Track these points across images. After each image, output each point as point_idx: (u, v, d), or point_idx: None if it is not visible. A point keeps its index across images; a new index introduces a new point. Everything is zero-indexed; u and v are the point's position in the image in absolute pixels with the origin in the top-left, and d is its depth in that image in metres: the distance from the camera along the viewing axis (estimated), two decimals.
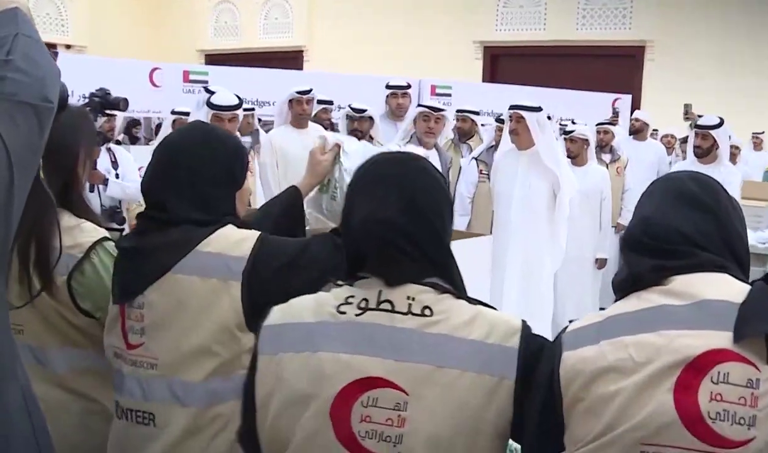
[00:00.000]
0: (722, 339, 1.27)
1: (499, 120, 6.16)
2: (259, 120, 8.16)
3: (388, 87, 6.52)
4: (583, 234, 5.68)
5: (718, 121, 5.47)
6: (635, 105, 10.66)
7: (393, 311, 1.39)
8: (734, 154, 7.39)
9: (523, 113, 4.87)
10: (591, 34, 11.72)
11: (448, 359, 1.35)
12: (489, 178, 5.73)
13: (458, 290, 1.46)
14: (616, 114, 9.12)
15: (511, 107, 4.97)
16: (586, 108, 9.05)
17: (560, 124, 6.99)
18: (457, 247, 1.53)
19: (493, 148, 5.98)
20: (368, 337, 1.38)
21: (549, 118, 5.23)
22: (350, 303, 1.41)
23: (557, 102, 10.03)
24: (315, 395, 1.36)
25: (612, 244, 6.03)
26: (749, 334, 1.25)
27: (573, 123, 6.58)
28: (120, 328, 1.81)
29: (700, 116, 8.59)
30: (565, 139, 5.86)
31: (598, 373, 1.32)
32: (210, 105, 4.50)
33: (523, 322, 1.43)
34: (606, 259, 5.99)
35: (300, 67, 13.93)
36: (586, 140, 5.90)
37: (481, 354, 1.36)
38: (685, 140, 8.73)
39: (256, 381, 1.44)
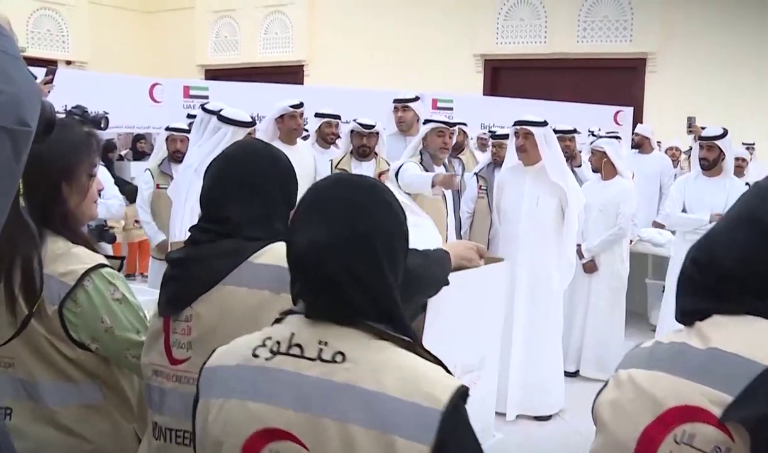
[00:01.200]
0: (706, 395, 1.16)
1: (496, 136, 6.14)
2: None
3: (394, 101, 6.36)
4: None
5: (722, 131, 5.41)
6: (637, 117, 10.64)
7: (300, 356, 1.26)
8: (741, 166, 7.34)
9: (532, 129, 4.83)
10: (592, 46, 11.70)
11: (352, 413, 1.19)
12: (487, 195, 5.69)
13: (410, 336, 1.29)
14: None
15: (517, 123, 4.91)
16: (588, 121, 9.03)
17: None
18: (472, 276, 1.41)
19: (492, 164, 5.98)
20: (273, 385, 1.26)
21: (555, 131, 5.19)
22: (265, 345, 1.30)
23: (559, 115, 10.05)
24: (226, 444, 1.28)
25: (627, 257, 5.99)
26: (738, 417, 1.12)
27: (593, 135, 6.53)
28: (163, 343, 1.73)
29: (703, 128, 8.56)
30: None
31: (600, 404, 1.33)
32: (229, 121, 4.13)
33: (461, 386, 1.21)
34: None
35: (301, 82, 13.92)
36: (604, 152, 5.84)
37: (395, 413, 1.17)
38: (689, 152, 8.69)
39: (195, 424, 1.37)
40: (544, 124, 4.87)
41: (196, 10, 15.06)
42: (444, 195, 5.02)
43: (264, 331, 1.34)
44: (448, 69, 12.45)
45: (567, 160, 5.40)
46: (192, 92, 9.34)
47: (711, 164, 5.42)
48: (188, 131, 5.70)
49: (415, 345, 1.28)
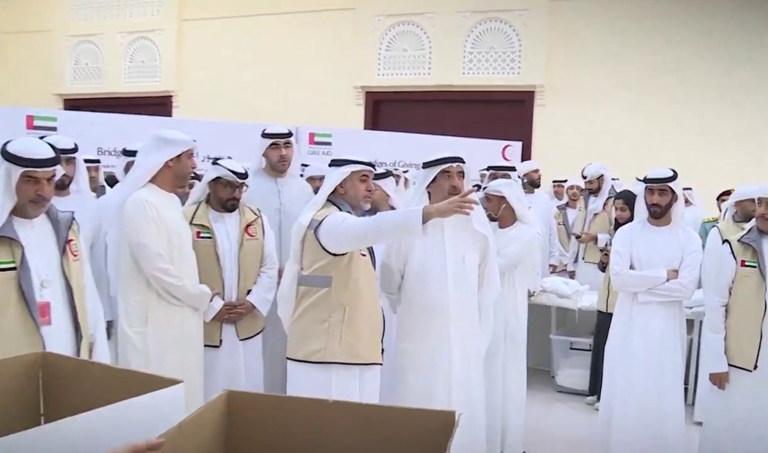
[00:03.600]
0: None
1: (377, 175, 5.20)
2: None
3: (266, 135, 5.19)
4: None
5: (672, 172, 4.63)
6: (526, 152, 10.21)
7: None
8: None
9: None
10: (478, 78, 11.22)
11: None
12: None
13: None
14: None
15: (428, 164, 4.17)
16: (475, 156, 8.45)
17: None
18: None
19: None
20: None
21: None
22: None
23: (445, 149, 9.50)
24: None
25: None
26: None
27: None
28: None
29: (615, 179, 8.12)
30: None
31: None
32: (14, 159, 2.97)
33: None
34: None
35: (169, 114, 12.91)
36: (503, 196, 5.12)
37: None
38: (584, 192, 8.25)
39: None
40: (461, 160, 4.18)
41: (53, 33, 13.79)
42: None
43: None
44: (326, 101, 11.75)
45: None
46: (37, 122, 8.32)
47: (664, 211, 4.63)
48: None
49: None
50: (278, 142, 5.14)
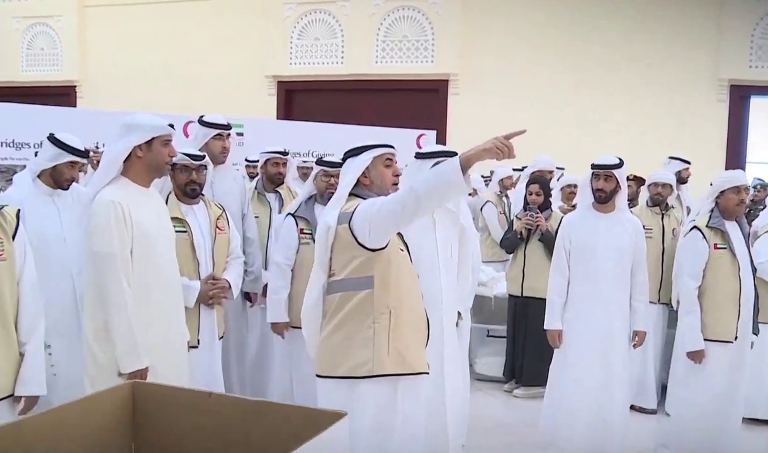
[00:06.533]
0: None
1: (325, 163, 4.77)
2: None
3: (209, 125, 4.87)
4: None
5: (618, 160, 4.69)
6: (441, 141, 10.21)
7: None
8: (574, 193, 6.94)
9: None
10: (392, 67, 11.17)
11: None
12: (314, 240, 4.02)
13: None
14: None
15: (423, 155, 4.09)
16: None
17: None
18: None
19: (314, 198, 4.77)
20: None
21: None
22: None
23: (359, 139, 9.41)
24: None
25: None
26: None
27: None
28: None
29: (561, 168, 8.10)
30: None
31: None
32: None
33: None
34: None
35: (73, 104, 12.41)
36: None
37: None
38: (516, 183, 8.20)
39: None
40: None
41: None
42: None
43: None
44: (238, 91, 11.50)
45: None
46: None
47: (609, 197, 4.67)
48: None
49: None
50: (222, 132, 4.89)
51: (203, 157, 4.31)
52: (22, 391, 2.96)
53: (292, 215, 4.74)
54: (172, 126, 3.47)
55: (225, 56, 11.77)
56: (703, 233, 4.64)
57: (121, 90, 11.91)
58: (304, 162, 7.83)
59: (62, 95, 12.42)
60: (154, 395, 1.91)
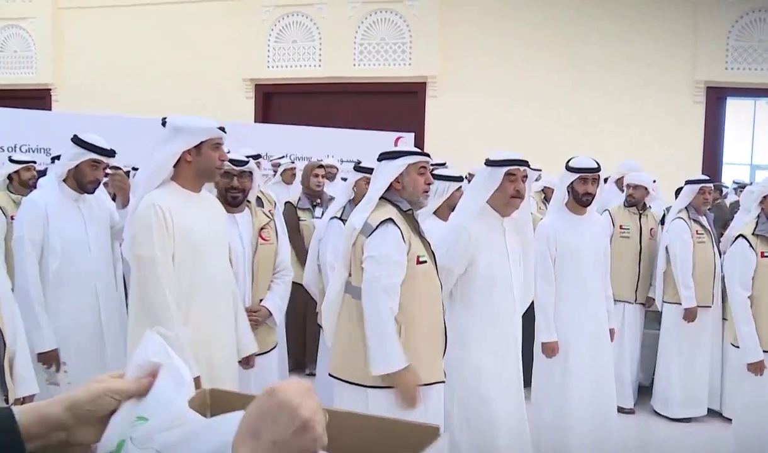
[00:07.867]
0: None
1: (362, 168, 4.85)
2: None
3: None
4: None
5: (597, 163, 4.58)
6: (419, 143, 10.20)
7: None
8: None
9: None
10: (369, 70, 11.15)
11: None
12: None
13: None
14: None
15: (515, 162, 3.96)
16: (367, 147, 8.37)
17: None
18: None
19: (352, 202, 4.70)
20: None
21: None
22: None
23: (337, 142, 9.40)
24: None
25: None
26: None
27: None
28: None
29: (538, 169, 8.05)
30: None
31: None
32: None
33: None
34: None
35: (48, 107, 12.29)
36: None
37: None
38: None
39: None
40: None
41: None
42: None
43: None
44: (216, 94, 11.40)
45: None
46: None
47: (593, 199, 4.59)
48: None
49: None
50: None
51: (246, 162, 4.04)
52: (19, 393, 2.90)
53: (339, 218, 4.74)
54: (222, 129, 3.22)
55: (202, 59, 11.68)
56: (749, 241, 4.49)
57: (97, 93, 11.80)
58: (292, 162, 7.75)
59: (37, 98, 12.28)
60: (233, 403, 1.83)
